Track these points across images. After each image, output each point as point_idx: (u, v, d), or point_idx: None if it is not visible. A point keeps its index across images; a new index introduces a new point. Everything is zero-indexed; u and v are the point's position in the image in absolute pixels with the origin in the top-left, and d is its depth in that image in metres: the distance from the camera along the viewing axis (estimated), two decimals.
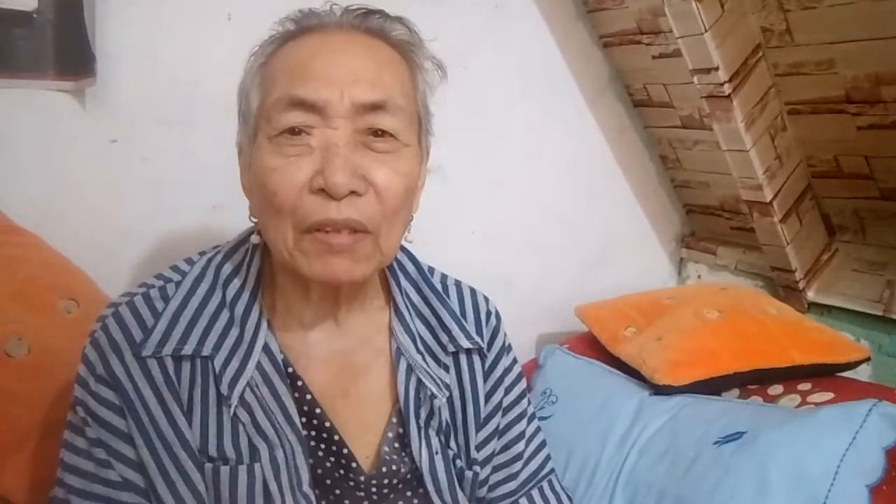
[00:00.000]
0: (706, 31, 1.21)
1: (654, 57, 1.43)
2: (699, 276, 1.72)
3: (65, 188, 1.05)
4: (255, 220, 0.72)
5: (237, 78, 0.73)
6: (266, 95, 0.68)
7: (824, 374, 1.19)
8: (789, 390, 1.15)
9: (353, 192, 0.64)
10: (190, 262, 0.75)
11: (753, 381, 1.19)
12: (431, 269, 0.84)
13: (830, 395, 1.10)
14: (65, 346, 0.84)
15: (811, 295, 1.46)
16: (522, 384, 0.86)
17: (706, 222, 1.71)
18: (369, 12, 0.71)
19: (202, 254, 0.76)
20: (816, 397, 1.11)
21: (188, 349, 0.68)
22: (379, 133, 0.67)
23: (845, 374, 1.22)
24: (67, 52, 1.00)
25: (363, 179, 0.65)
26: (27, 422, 0.81)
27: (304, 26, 0.70)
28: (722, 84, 1.27)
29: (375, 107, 0.66)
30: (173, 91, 1.11)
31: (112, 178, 1.09)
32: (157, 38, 1.09)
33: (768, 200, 1.38)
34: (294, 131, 0.65)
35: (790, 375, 1.18)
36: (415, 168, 0.71)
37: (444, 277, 0.85)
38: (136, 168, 1.10)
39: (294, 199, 0.65)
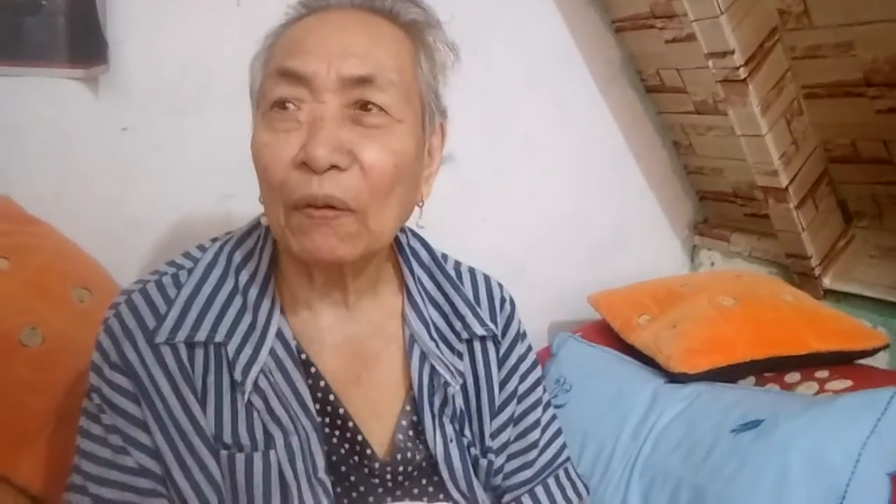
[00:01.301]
0: (722, 13, 1.19)
1: (667, 41, 1.41)
2: (712, 264, 1.71)
3: (77, 177, 1.05)
4: (261, 200, 0.71)
5: (248, 65, 0.72)
6: (265, 72, 0.68)
7: (842, 362, 1.18)
8: (807, 378, 1.14)
9: (335, 167, 0.63)
10: (202, 248, 0.75)
11: (770, 369, 1.18)
12: (445, 256, 0.84)
13: (849, 383, 1.09)
14: (78, 334, 0.84)
15: (827, 282, 1.45)
16: (538, 372, 0.86)
17: (720, 209, 1.70)
18: None
19: (214, 240, 0.76)
20: (835, 385, 1.10)
21: (201, 336, 0.68)
22: (368, 107, 0.65)
23: (863, 361, 1.21)
24: (79, 40, 1.00)
25: (347, 154, 0.63)
26: (43, 411, 0.82)
27: (312, 8, 0.70)
28: (737, 68, 1.25)
29: (363, 80, 0.65)
30: (184, 79, 1.11)
31: (123, 166, 1.09)
32: (168, 25, 1.09)
33: (784, 186, 1.37)
34: (283, 105, 0.65)
35: (807, 363, 1.16)
36: (411, 147, 0.68)
37: (457, 264, 0.84)
38: (147, 156, 1.10)
39: (282, 175, 0.64)
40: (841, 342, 1.19)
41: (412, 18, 0.71)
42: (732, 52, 1.23)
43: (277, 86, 0.65)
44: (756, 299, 1.28)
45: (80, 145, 1.05)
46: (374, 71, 0.65)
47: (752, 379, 1.18)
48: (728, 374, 1.16)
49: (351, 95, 0.65)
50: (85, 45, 1.01)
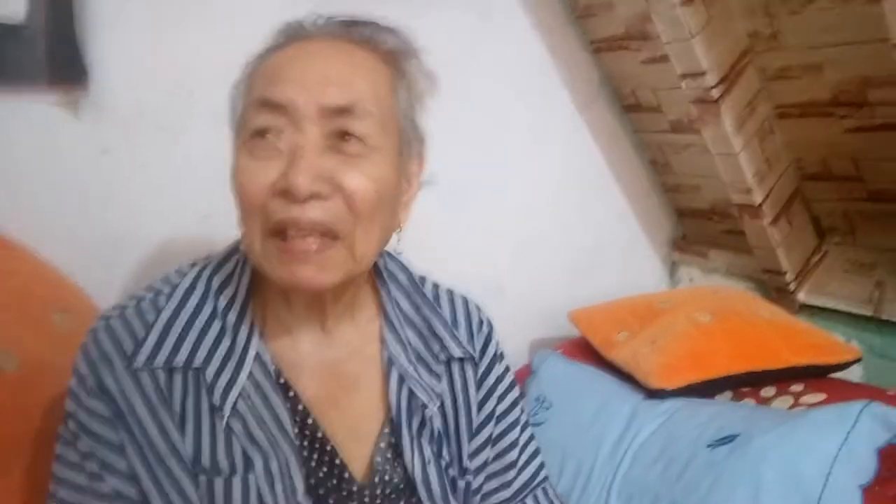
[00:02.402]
0: (693, 36, 1.22)
1: (642, 62, 1.44)
2: (691, 280, 1.73)
3: (56, 198, 1.05)
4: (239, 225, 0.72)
5: (230, 84, 0.73)
6: (245, 101, 0.69)
7: (816, 376, 1.20)
8: (782, 392, 1.16)
9: (316, 195, 0.64)
10: (181, 272, 0.75)
11: (746, 384, 1.19)
12: (423, 279, 0.84)
13: (823, 396, 1.11)
14: (56, 358, 0.83)
15: (802, 297, 1.47)
16: (515, 392, 0.86)
17: (698, 226, 1.72)
18: (356, 22, 0.71)
19: (193, 264, 0.76)
20: (809, 398, 1.12)
21: (179, 360, 0.68)
22: (347, 137, 0.66)
23: (837, 374, 1.23)
24: (59, 63, 1.01)
25: (329, 183, 0.64)
26: (19, 437, 0.80)
27: (290, 36, 0.71)
28: (710, 88, 1.28)
29: (343, 110, 0.65)
30: (166, 99, 1.11)
31: (105, 186, 1.09)
32: (149, 46, 1.09)
33: (758, 203, 1.39)
34: (263, 134, 0.65)
35: (783, 377, 1.18)
36: (391, 174, 0.69)
37: (436, 286, 0.85)
38: (128, 176, 1.10)
39: (260, 201, 0.65)
40: (815, 356, 1.21)
41: (390, 47, 0.72)
42: (704, 73, 1.26)
43: (258, 115, 0.66)
44: (733, 315, 1.30)
45: (60, 166, 1.04)
46: (353, 100, 0.66)
47: (728, 393, 1.20)
48: (706, 390, 1.18)
49: (331, 124, 0.65)
50: (65, 68, 1.01)
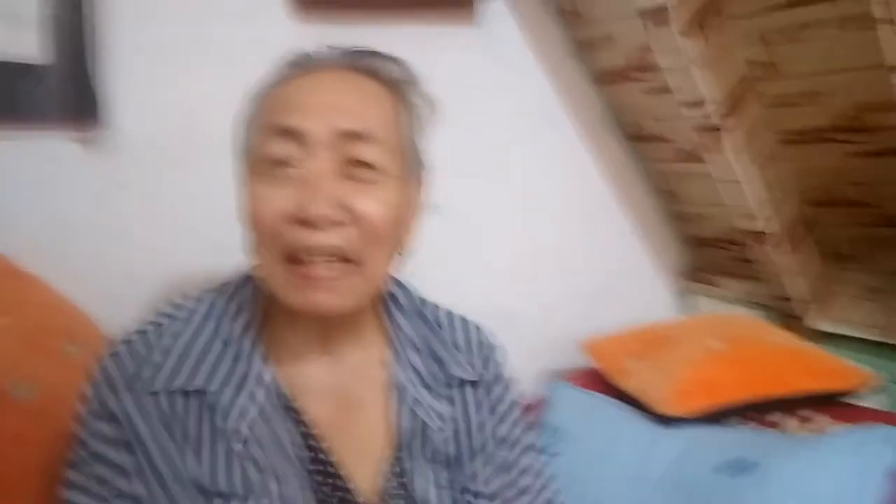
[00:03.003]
0: (693, 65, 1.25)
1: (644, 92, 1.46)
2: (702, 308, 1.72)
3: (71, 231, 1.08)
4: (250, 252, 0.73)
5: (237, 119, 0.75)
6: (256, 130, 0.71)
7: (830, 401, 1.19)
8: (795, 418, 1.15)
9: (331, 221, 0.66)
10: (188, 298, 0.76)
11: (760, 410, 1.18)
12: (424, 301, 0.85)
13: (837, 422, 1.10)
14: (69, 388, 0.84)
15: (813, 323, 1.46)
16: (525, 416, 0.86)
17: (707, 254, 1.72)
18: (361, 52, 0.74)
19: (203, 290, 0.78)
20: (823, 424, 1.11)
21: (187, 384, 0.69)
22: (359, 163, 0.68)
23: (850, 399, 1.21)
24: (73, 100, 1.04)
25: (344, 209, 0.66)
26: (34, 464, 0.81)
27: (298, 66, 0.73)
28: (711, 117, 1.29)
29: (355, 136, 0.68)
30: (177, 133, 1.14)
31: (117, 220, 1.11)
32: (159, 82, 1.13)
33: (764, 230, 1.40)
34: (277, 161, 0.67)
35: (796, 403, 1.17)
36: (400, 199, 0.71)
37: (438, 308, 0.86)
38: (140, 210, 1.13)
39: (276, 227, 0.66)
40: (828, 382, 1.20)
41: (394, 76, 0.74)
42: (705, 102, 1.27)
43: (271, 143, 0.68)
44: (744, 341, 1.30)
45: (74, 201, 1.07)
46: (364, 127, 0.68)
47: (742, 420, 1.18)
48: (719, 416, 1.17)
49: (343, 151, 0.67)
50: (79, 106, 1.04)
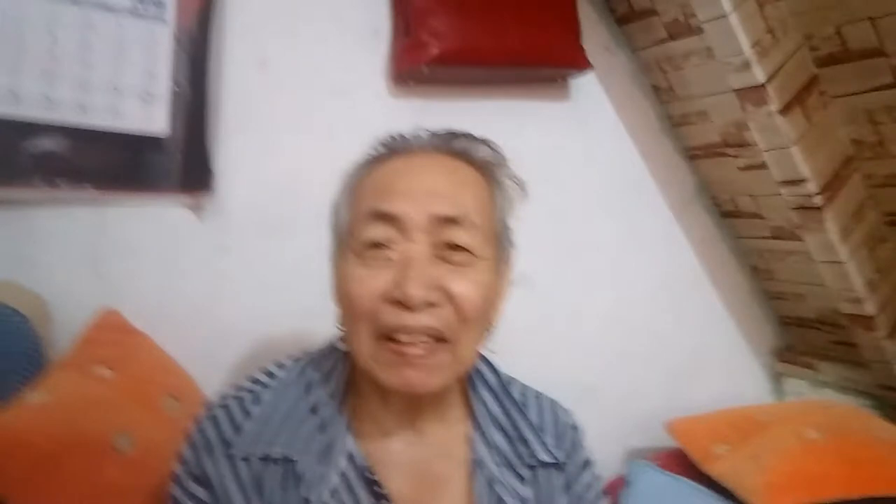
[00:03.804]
0: (792, 144, 1.22)
1: (740, 168, 1.44)
2: (799, 393, 1.63)
3: (176, 292, 1.14)
4: (341, 327, 0.76)
5: (332, 190, 0.78)
6: (353, 211, 0.74)
7: None
8: None
9: (428, 303, 0.67)
10: (281, 366, 0.79)
11: None
12: (511, 380, 0.85)
13: None
14: (166, 442, 0.88)
15: None
16: (604, 501, 0.84)
17: (804, 335, 1.64)
18: (453, 135, 0.76)
19: (293, 359, 0.80)
20: None
21: (276, 452, 0.71)
22: (455, 247, 0.70)
23: None
24: (190, 171, 1.12)
25: (440, 290, 0.68)
26: None
27: (392, 149, 0.76)
28: (812, 196, 1.25)
29: (451, 221, 0.70)
30: (277, 203, 1.21)
31: (218, 283, 1.17)
32: (265, 153, 1.20)
33: (871, 314, 1.32)
34: (376, 245, 0.70)
35: None
36: (491, 279, 0.73)
37: (524, 388, 0.85)
38: (239, 274, 1.19)
39: (372, 307, 0.68)
40: None
41: (484, 158, 0.76)
42: (805, 181, 1.24)
43: (370, 227, 0.70)
44: (845, 433, 1.22)
45: (182, 263, 1.14)
46: (461, 213, 0.70)
47: None
48: None
49: (439, 235, 0.70)
50: (194, 175, 1.12)
